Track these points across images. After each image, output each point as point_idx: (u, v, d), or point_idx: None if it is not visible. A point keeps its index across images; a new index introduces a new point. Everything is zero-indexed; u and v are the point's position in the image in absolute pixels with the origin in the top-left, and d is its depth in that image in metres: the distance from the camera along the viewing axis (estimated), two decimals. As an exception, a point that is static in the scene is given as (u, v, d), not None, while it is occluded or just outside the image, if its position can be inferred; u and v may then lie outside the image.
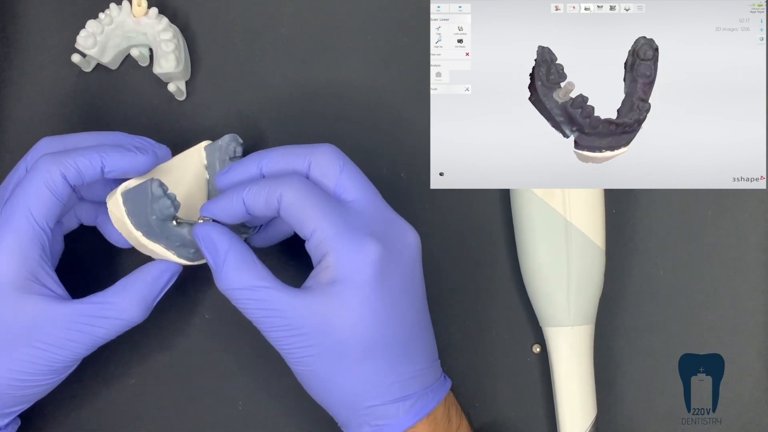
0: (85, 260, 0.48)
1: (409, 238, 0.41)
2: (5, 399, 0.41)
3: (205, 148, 0.46)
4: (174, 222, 0.41)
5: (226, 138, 0.45)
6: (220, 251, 0.40)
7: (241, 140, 0.46)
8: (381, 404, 0.40)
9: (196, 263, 0.43)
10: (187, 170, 0.45)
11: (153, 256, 0.42)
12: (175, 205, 0.41)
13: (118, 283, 0.42)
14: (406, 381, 0.41)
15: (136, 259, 0.43)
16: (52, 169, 0.40)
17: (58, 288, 0.41)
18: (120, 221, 0.41)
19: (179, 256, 0.42)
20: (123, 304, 0.41)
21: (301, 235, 0.40)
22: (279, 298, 0.39)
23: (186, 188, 0.44)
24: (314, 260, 0.40)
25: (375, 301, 0.39)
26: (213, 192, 0.45)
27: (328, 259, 0.39)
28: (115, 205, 0.41)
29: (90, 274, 0.48)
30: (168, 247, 0.41)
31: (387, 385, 0.40)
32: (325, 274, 0.39)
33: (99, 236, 0.46)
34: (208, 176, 0.46)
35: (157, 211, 0.40)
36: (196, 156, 0.46)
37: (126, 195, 0.41)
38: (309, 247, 0.40)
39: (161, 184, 0.41)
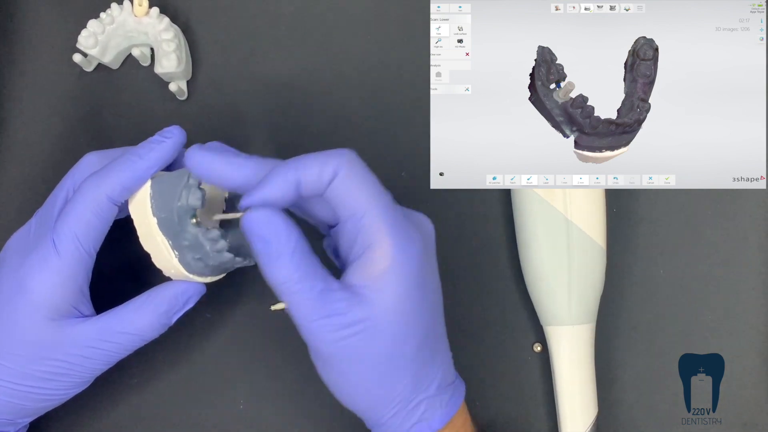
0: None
1: (426, 225, 0.40)
2: (19, 409, 0.41)
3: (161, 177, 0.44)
4: (193, 219, 0.41)
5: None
6: (289, 238, 0.35)
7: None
8: (436, 387, 0.39)
9: (190, 278, 0.42)
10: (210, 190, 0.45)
11: (153, 255, 0.41)
12: (203, 201, 0.40)
13: (138, 298, 0.41)
14: (449, 365, 0.40)
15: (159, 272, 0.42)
16: (98, 195, 0.39)
17: (88, 309, 0.41)
18: (140, 203, 0.41)
19: (181, 261, 0.41)
20: (142, 321, 0.41)
21: (346, 213, 0.37)
22: (343, 298, 0.36)
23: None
24: (352, 241, 0.37)
25: (423, 287, 0.38)
26: (217, 209, 0.45)
27: (383, 248, 0.36)
28: (142, 186, 0.41)
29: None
30: (174, 245, 0.40)
31: (438, 368, 0.39)
32: (380, 263, 0.36)
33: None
34: (227, 195, 0.45)
35: (184, 198, 0.40)
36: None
37: (157, 178, 0.41)
38: (354, 225, 0.37)
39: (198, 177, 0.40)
